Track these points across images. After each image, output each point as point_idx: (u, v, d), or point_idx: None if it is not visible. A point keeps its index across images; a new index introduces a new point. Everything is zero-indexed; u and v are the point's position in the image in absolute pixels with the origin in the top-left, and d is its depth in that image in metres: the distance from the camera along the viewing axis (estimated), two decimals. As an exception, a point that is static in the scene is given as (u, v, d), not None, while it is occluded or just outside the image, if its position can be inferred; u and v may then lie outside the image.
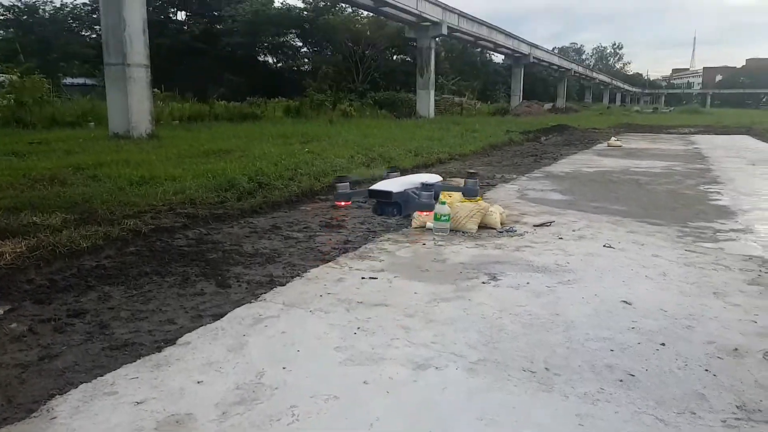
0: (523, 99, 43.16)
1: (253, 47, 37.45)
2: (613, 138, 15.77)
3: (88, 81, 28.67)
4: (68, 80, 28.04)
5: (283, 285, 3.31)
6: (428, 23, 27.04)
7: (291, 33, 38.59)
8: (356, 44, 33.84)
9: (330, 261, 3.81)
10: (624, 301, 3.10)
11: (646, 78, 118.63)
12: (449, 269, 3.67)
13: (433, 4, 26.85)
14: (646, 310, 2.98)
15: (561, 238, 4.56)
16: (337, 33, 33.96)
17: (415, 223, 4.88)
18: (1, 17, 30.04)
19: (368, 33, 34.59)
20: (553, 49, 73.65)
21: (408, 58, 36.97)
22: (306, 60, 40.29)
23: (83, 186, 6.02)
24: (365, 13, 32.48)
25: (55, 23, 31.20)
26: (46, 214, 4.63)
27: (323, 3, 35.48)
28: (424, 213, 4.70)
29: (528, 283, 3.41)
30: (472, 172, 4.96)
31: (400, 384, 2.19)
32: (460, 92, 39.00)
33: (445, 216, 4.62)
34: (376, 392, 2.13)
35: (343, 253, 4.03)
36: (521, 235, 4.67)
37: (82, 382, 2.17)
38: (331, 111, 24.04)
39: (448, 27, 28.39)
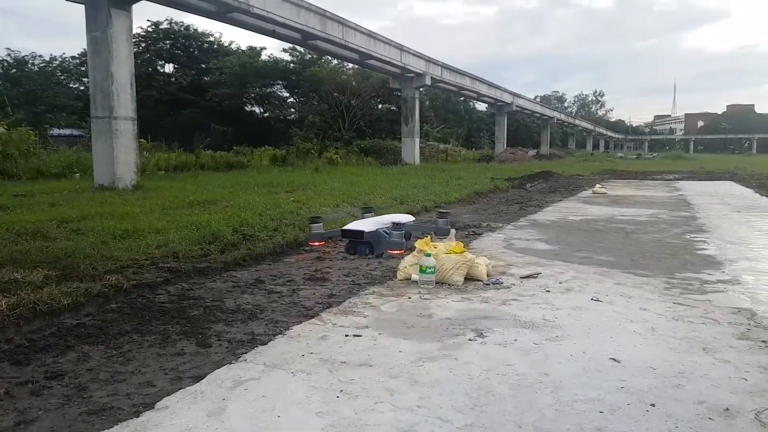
0: (507, 145, 44.04)
1: (240, 98, 38.09)
2: (597, 185, 15.84)
3: (75, 132, 28.83)
4: (55, 131, 28.18)
5: (265, 344, 3.25)
6: (412, 74, 27.81)
7: (278, 84, 39.39)
8: (342, 94, 34.61)
9: (313, 317, 3.76)
10: (613, 359, 3.07)
11: (628, 124, 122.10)
12: (435, 325, 3.64)
13: (417, 56, 27.69)
14: (635, 368, 2.95)
15: (548, 291, 4.55)
16: (323, 84, 34.74)
17: (400, 275, 4.87)
18: None
19: (353, 83, 35.44)
20: (536, 97, 75.95)
21: (393, 107, 37.82)
22: (293, 110, 40.97)
23: (66, 240, 5.96)
24: (351, 65, 33.36)
25: (44, 76, 31.62)
26: (28, 270, 4.57)
27: (310, 56, 36.40)
28: (395, 252, 4.86)
29: (515, 339, 3.37)
30: (443, 212, 5.07)
31: (385, 451, 2.13)
32: (445, 139, 39.81)
33: (430, 268, 4.61)
34: (359, 460, 2.07)
35: (327, 308, 3.99)
36: (508, 287, 4.65)
37: (54, 453, 2.09)
38: (317, 159, 24.32)
39: (432, 78, 29.21)
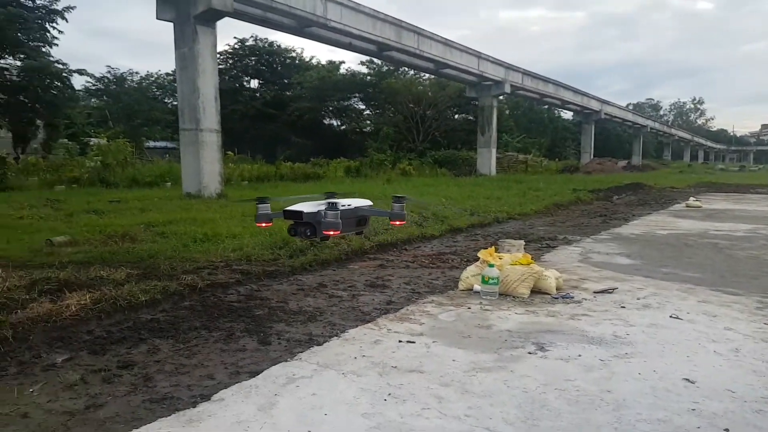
0: (594, 156, 42.23)
1: (319, 111, 39.27)
2: (692, 198, 14.71)
3: (169, 144, 30.94)
4: (151, 143, 30.41)
5: (320, 345, 3.32)
6: (490, 82, 27.46)
7: (355, 96, 40.25)
8: (417, 105, 34.77)
9: (369, 322, 3.79)
10: (686, 379, 2.86)
11: (731, 134, 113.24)
12: (493, 336, 3.55)
13: (495, 63, 27.31)
14: (711, 390, 2.73)
15: (623, 307, 4.30)
16: (398, 95, 35.09)
17: (461, 285, 4.80)
18: (93, 87, 33.27)
19: (429, 94, 35.50)
20: (628, 105, 72.15)
21: (470, 117, 37.42)
22: (368, 122, 41.69)
23: (151, 242, 6.39)
24: (427, 75, 33.48)
25: (140, 91, 34.21)
26: (113, 268, 4.94)
27: (386, 67, 36.93)
28: (332, 231, 4.37)
29: (580, 355, 3.22)
30: (398, 196, 4.58)
31: (427, 456, 2.10)
32: (526, 149, 38.73)
33: (493, 279, 4.51)
34: (400, 464, 2.05)
35: (384, 314, 4.01)
36: (579, 302, 4.43)
37: (118, 435, 2.24)
38: (390, 170, 24.54)
39: (512, 85, 28.66)
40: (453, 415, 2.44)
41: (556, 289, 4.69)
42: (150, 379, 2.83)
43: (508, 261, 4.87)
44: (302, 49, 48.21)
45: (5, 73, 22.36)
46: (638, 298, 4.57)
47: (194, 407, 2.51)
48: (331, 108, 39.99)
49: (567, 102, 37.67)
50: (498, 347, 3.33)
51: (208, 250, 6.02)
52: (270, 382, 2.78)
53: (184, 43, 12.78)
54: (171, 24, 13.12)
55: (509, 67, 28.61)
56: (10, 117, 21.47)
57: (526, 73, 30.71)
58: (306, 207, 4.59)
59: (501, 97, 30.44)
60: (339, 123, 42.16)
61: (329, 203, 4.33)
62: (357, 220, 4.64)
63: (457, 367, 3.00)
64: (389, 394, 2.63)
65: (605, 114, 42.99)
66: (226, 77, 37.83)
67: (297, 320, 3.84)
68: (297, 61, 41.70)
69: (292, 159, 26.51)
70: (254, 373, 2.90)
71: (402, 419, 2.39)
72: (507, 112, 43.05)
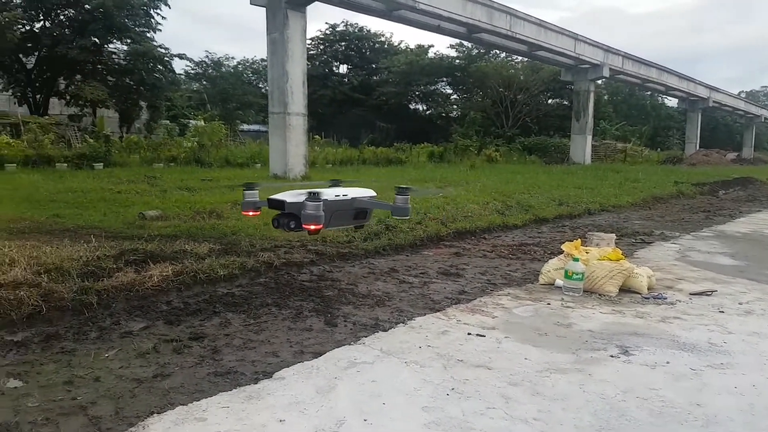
0: (700, 147, 39.03)
1: (405, 96, 39.17)
2: (808, 196, 13.33)
3: (261, 128, 32.16)
4: (244, 127, 31.76)
5: (386, 330, 3.24)
6: (587, 65, 26.00)
7: (442, 81, 39.70)
8: (508, 89, 33.66)
9: (439, 311, 3.65)
10: (792, 398, 2.51)
11: None
12: (573, 336, 3.30)
13: (593, 45, 25.79)
14: (822, 412, 2.37)
15: (722, 312, 3.87)
16: (488, 79, 34.11)
17: (542, 279, 4.53)
18: (192, 71, 35.20)
19: (521, 77, 34.22)
20: (740, 92, 65.76)
21: (565, 102, 35.71)
22: (455, 107, 41.02)
23: (236, 220, 6.61)
24: (519, 58, 32.29)
25: (235, 76, 35.74)
26: (197, 242, 5.15)
27: (476, 51, 36.02)
28: (312, 225, 3.79)
29: (668, 362, 2.91)
30: (403, 187, 3.96)
31: (487, 459, 1.95)
32: (625, 138, 36.48)
33: (577, 274, 4.20)
34: (457, 464, 1.92)
35: (455, 303, 3.85)
36: (672, 303, 4.05)
37: (180, 404, 2.29)
38: (475, 156, 24.02)
39: (611, 69, 26.96)
40: (520, 417, 2.27)
41: (648, 289, 4.32)
42: (218, 352, 2.88)
43: (595, 255, 4.53)
44: (391, 33, 47.95)
45: (113, 56, 24.22)
46: (740, 303, 4.10)
47: (255, 383, 2.52)
48: (417, 92, 39.77)
49: (671, 88, 34.85)
50: (577, 348, 3.08)
51: (287, 229, 6.13)
52: (332, 365, 2.73)
53: (275, 27, 13.10)
54: (264, 10, 13.51)
55: (608, 50, 26.88)
56: (117, 98, 23.25)
57: (627, 57, 28.69)
58: (289, 196, 3.99)
59: (599, 82, 28.72)
60: (425, 108, 41.86)
61: (311, 193, 3.69)
62: (355, 212, 4.07)
63: (530, 366, 2.80)
64: (452, 389, 2.50)
65: (714, 102, 39.38)
66: (317, 62, 38.62)
67: (365, 304, 3.79)
68: (386, 46, 41.76)
69: (376, 143, 26.68)
70: (317, 354, 2.87)
71: (464, 416, 2.25)
72: (605, 97, 40.67)
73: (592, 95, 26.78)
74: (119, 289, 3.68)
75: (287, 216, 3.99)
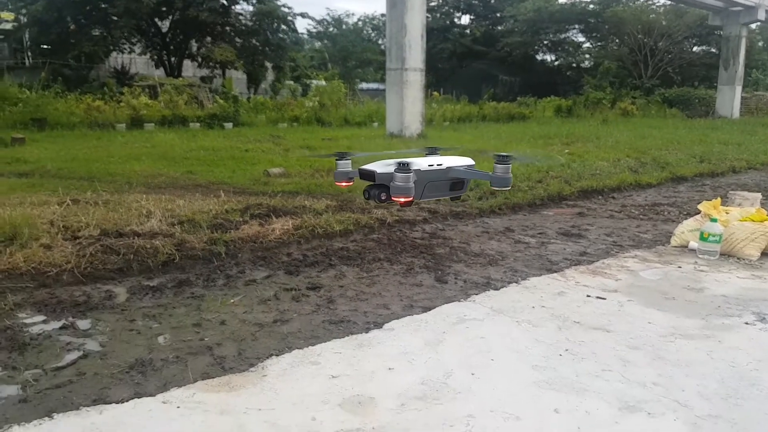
0: None
1: (532, 46, 36.94)
2: None
3: (381, 86, 32.40)
4: (363, 85, 32.15)
5: (497, 289, 3.18)
6: (739, 8, 22.73)
7: (573, 28, 36.83)
8: (647, 36, 30.45)
9: (556, 272, 3.51)
10: None
11: None
12: (704, 301, 3.02)
13: (749, -16, 22.45)
14: None
15: None
16: (625, 25, 31.00)
17: (674, 241, 4.16)
18: (314, 30, 35.92)
19: (663, 22, 30.72)
20: None
21: (713, 49, 31.66)
22: (587, 56, 37.99)
23: (352, 178, 6.80)
24: (661, 1, 29.03)
25: (356, 33, 35.88)
26: (316, 199, 5.39)
27: (614, -7, 32.91)
28: (402, 198, 3.48)
29: (816, 332, 2.58)
30: (504, 155, 3.56)
31: (597, 423, 1.88)
32: (782, 88, 31.78)
33: (714, 236, 3.81)
34: (565, 425, 1.87)
35: (575, 264, 3.68)
36: (828, 270, 3.57)
37: (297, 348, 2.45)
38: (608, 110, 22.28)
39: (767, 11, 23.37)
40: (637, 380, 2.14)
41: (799, 254, 3.81)
42: (332, 302, 3.04)
43: (736, 216, 4.08)
44: (519, -23, 45.22)
45: (240, 17, 25.35)
46: None
47: (366, 333, 2.62)
48: (545, 42, 37.31)
49: None
50: (707, 313, 2.82)
51: (402, 186, 6.19)
52: (440, 320, 2.76)
53: (395, -22, 12.86)
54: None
55: (765, -10, 23.24)
56: (244, 59, 24.38)
57: (789, -5, 24.60)
58: (380, 167, 3.81)
59: (753, 26, 24.98)
60: (553, 58, 39.25)
61: (400, 163, 3.53)
62: (451, 183, 3.81)
63: (653, 330, 2.62)
64: (566, 350, 2.41)
65: None
66: (437, 14, 37.58)
67: (477, 262, 3.75)
68: (512, -8, 39.52)
69: (498, 98, 25.70)
70: (426, 309, 2.91)
71: (577, 377, 2.17)
72: (760, 44, 35.36)
73: (743, 41, 23.45)
74: (245, 241, 3.97)
75: (378, 187, 3.81)
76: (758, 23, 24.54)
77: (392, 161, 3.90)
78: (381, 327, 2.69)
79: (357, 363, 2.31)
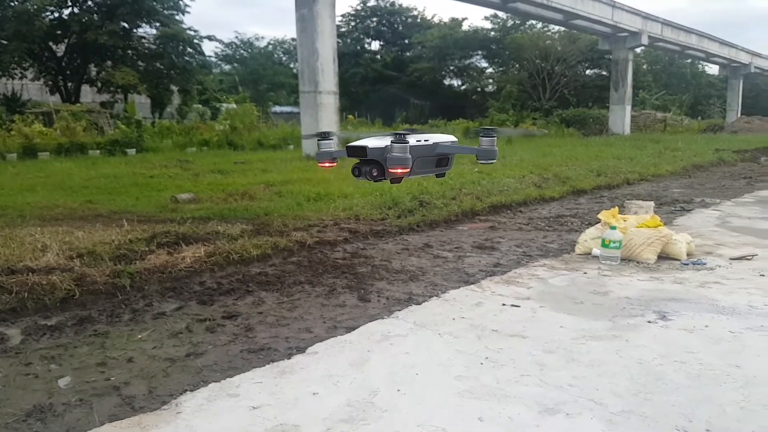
0: (742, 114, 37.32)
1: (439, 71, 38.51)
2: None
3: (294, 109, 32.26)
4: (276, 108, 31.86)
5: (419, 304, 3.22)
6: (625, 33, 24.99)
7: (477, 54, 38.83)
8: (544, 60, 32.67)
9: (473, 284, 3.61)
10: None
11: None
12: (609, 303, 3.22)
13: (632, 13, 24.72)
14: None
15: (762, 275, 3.74)
16: (524, 50, 33.14)
17: (579, 249, 4.42)
18: (222, 53, 35.23)
19: (558, 48, 33.13)
20: (783, 57, 62.28)
21: (603, 72, 34.46)
22: (490, 80, 40.13)
23: (268, 201, 6.67)
24: (556, 28, 31.22)
25: (266, 56, 35.50)
26: (230, 224, 5.21)
27: (512, 21, 35.06)
28: (399, 169, 3.58)
29: (707, 326, 2.82)
30: (488, 128, 3.85)
31: (520, 426, 1.93)
32: (665, 107, 35.17)
33: (615, 243, 4.09)
34: (489, 432, 1.90)
35: (489, 275, 3.80)
36: (711, 269, 3.92)
37: (213, 381, 2.33)
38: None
39: (650, 36, 25.85)
40: (554, 383, 2.23)
41: (687, 255, 4.20)
42: (251, 330, 2.92)
43: (633, 223, 4.41)
44: (424, 7, 47.13)
45: (143, 40, 24.25)
46: (785, 267, 3.92)
47: (288, 359, 2.54)
48: (451, 67, 39.00)
49: (712, 55, 33.21)
50: (614, 315, 3.01)
51: (319, 208, 6.16)
52: (364, 338, 2.74)
53: (304, 3, 12.93)
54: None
55: (647, 17, 25.72)
56: (148, 83, 23.24)
57: (666, 23, 27.40)
58: (371, 142, 3.81)
59: (638, 50, 27.54)
60: (459, 83, 41.06)
61: (396, 134, 3.53)
62: (437, 159, 3.91)
63: (565, 334, 2.74)
64: (486, 358, 2.47)
65: (756, 68, 37.47)
66: (348, 40, 38.22)
67: (398, 279, 3.78)
68: (418, 20, 40.99)
69: (410, 121, 26.41)
70: (350, 329, 2.88)
71: (497, 384, 2.23)
72: (644, 66, 39.05)
73: (630, 64, 25.77)
74: (152, 271, 3.74)
75: (369, 163, 3.73)
76: (642, 47, 27.00)
77: (383, 135, 3.76)
78: (304, 351, 2.62)
79: (279, 391, 2.23)
